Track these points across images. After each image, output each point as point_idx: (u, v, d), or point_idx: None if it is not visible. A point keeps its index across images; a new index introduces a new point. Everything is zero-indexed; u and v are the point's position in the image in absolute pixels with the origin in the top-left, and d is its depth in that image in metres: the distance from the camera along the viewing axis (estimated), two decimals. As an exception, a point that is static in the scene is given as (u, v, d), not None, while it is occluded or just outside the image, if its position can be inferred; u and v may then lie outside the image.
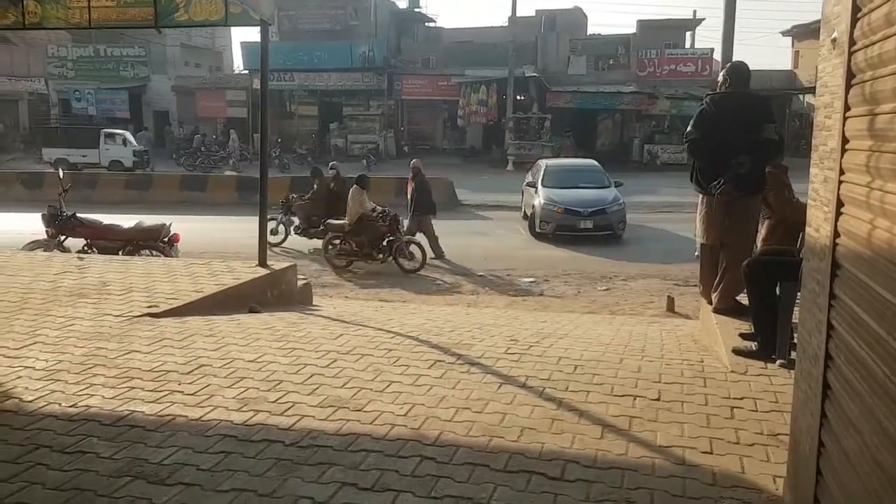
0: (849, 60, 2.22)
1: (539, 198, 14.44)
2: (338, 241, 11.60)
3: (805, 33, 35.78)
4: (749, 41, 53.73)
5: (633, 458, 3.18)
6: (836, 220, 2.29)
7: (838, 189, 2.29)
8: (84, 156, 28.40)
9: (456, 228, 14.83)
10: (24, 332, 5.03)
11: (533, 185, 15.21)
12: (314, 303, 7.92)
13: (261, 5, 7.31)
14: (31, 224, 10.98)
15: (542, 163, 16.89)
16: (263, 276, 7.28)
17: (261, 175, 7.95)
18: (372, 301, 8.91)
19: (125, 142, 29.62)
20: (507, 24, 34.94)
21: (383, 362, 4.55)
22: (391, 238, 11.50)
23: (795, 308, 4.46)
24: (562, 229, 13.97)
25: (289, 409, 3.71)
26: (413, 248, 11.52)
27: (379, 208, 11.84)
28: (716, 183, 5.44)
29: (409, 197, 13.05)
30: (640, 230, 15.10)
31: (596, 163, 17.13)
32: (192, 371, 4.28)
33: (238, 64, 44.97)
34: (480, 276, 10.97)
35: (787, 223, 5.49)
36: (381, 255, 11.50)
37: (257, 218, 7.86)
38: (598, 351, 4.98)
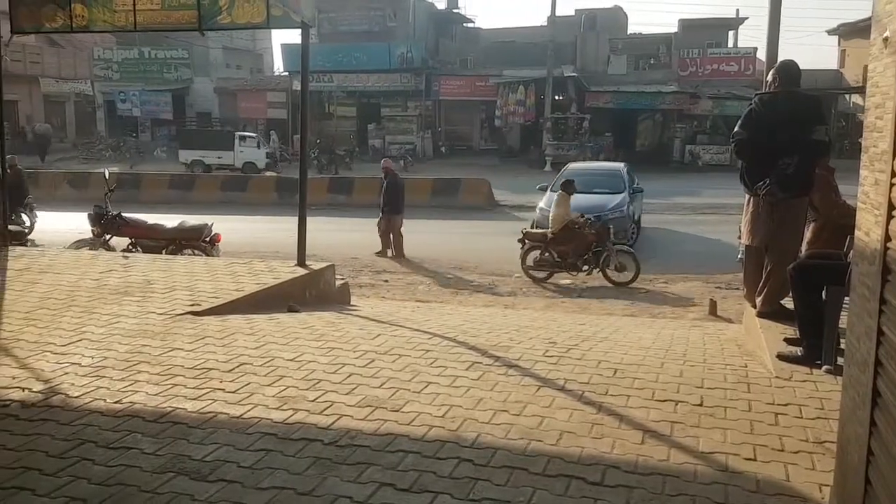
0: (902, 59, 2.16)
1: (541, 202, 13.91)
2: (538, 252, 10.92)
3: (852, 32, 35.00)
4: (794, 40, 52.77)
5: (674, 464, 3.13)
6: (888, 223, 2.23)
7: (890, 191, 2.22)
8: (219, 157, 28.99)
9: (493, 229, 14.82)
10: (71, 329, 5.14)
11: (545, 188, 14.63)
12: (352, 303, 7.97)
13: (302, 7, 7.39)
14: (77, 223, 11.25)
15: (569, 165, 16.42)
16: (302, 276, 7.34)
17: (300, 175, 8.03)
18: (409, 301, 8.93)
19: (259, 144, 30.34)
20: (546, 24, 34.76)
21: (421, 363, 4.56)
22: (598, 248, 10.72)
23: (842, 313, 4.37)
24: None
25: (327, 408, 3.73)
26: (623, 258, 10.61)
27: (585, 216, 11.17)
28: (761, 184, 5.34)
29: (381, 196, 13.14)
30: (664, 234, 14.67)
31: (621, 166, 16.23)
32: (234, 369, 4.33)
33: (278, 66, 45.62)
34: (517, 276, 10.92)
35: (833, 226, 5.38)
36: (586, 267, 10.78)
37: (296, 218, 7.93)
38: (638, 355, 4.92)
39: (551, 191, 14.21)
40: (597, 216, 12.48)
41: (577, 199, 13.65)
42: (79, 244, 10.02)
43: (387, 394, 3.95)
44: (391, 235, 12.87)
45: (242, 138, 29.79)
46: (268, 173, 27.27)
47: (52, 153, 34.96)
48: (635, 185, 14.61)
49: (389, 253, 12.79)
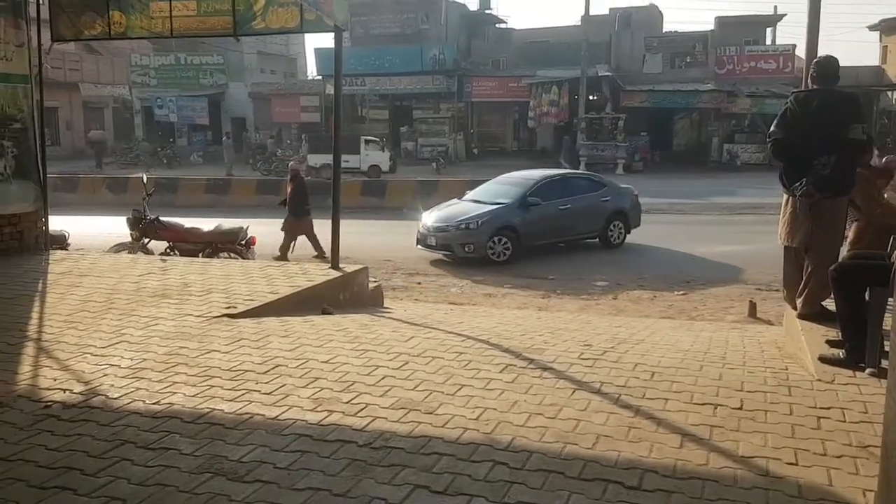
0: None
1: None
2: None
3: (894, 28, 34.26)
4: (834, 36, 51.76)
5: (713, 469, 3.08)
6: (936, 222, 2.17)
7: (938, 189, 2.16)
8: (346, 161, 29.33)
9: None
10: (111, 332, 5.22)
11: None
12: (385, 305, 7.99)
13: (335, 11, 7.42)
14: (116, 227, 11.45)
15: (513, 174, 14.95)
16: (336, 279, 7.38)
17: (333, 178, 8.06)
18: (441, 304, 8.93)
19: (384, 148, 30.71)
20: (579, 24, 34.56)
21: (454, 365, 4.55)
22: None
23: (886, 314, 4.26)
24: (420, 243, 13.07)
25: (362, 410, 3.74)
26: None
27: None
28: (798, 184, 5.23)
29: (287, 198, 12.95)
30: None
31: (545, 172, 14.96)
32: (269, 371, 4.37)
33: (311, 70, 46.04)
34: (551, 278, 10.87)
35: (876, 226, 5.26)
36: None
37: (330, 220, 7.96)
38: (676, 357, 4.85)
39: (461, 198, 14.23)
40: (444, 228, 12.63)
41: (451, 209, 13.32)
42: (118, 248, 10.20)
43: (420, 396, 3.95)
44: (309, 238, 12.65)
45: (367, 142, 30.05)
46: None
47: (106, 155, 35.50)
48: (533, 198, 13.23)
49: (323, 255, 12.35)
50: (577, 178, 15.54)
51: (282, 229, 12.50)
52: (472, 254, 12.33)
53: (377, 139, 31.35)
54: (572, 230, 13.62)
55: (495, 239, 12.46)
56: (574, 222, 13.54)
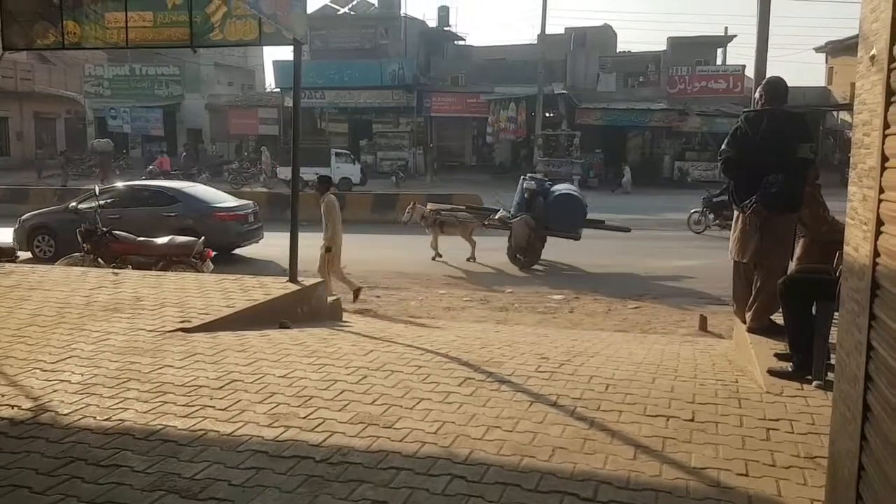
0: (888, 77, 2.19)
1: None
2: None
3: (839, 49, 35.40)
4: (782, 57, 53.26)
5: (666, 480, 3.13)
6: (876, 239, 2.25)
7: (878, 207, 2.25)
8: (317, 173, 28.81)
9: (483, 245, 14.84)
10: (61, 347, 5.11)
11: None
12: (344, 319, 7.95)
13: (293, 25, 7.41)
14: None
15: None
16: (294, 292, 7.33)
17: (292, 191, 8.03)
18: (401, 317, 8.92)
19: (354, 161, 30.45)
20: (536, 42, 35.05)
21: (413, 379, 4.55)
22: None
23: (832, 328, 4.39)
24: None
25: (319, 425, 3.71)
26: None
27: None
28: (748, 201, 5.38)
29: None
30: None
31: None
32: (224, 386, 4.31)
33: (270, 82, 45.75)
34: (509, 292, 10.94)
35: (822, 242, 5.41)
36: None
37: (288, 233, 7.91)
38: (630, 370, 4.93)
39: None
40: None
41: None
42: (68, 261, 9.96)
43: (379, 410, 3.94)
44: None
45: (338, 155, 29.87)
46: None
47: (46, 168, 34.64)
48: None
49: None
50: (145, 189, 14.73)
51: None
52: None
53: (348, 152, 31.29)
54: None
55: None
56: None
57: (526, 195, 13.73)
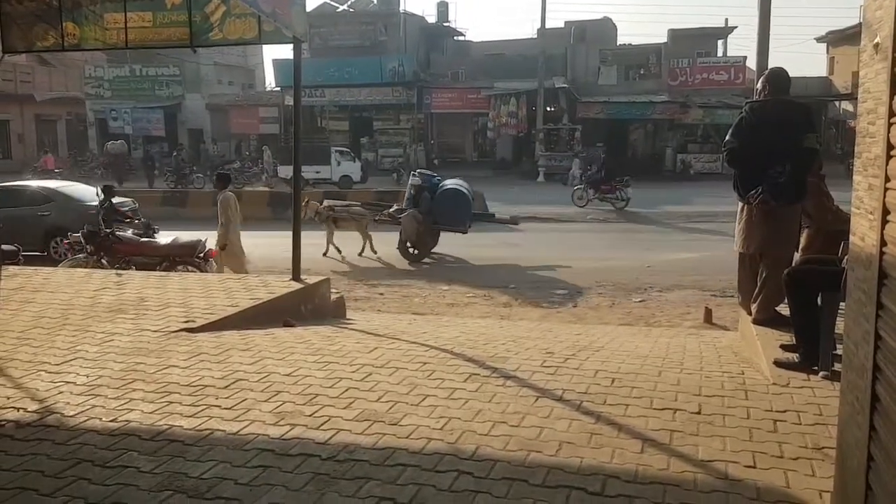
0: (892, 65, 2.17)
1: None
2: None
3: (840, 39, 35.33)
4: (783, 48, 53.14)
5: (674, 473, 3.12)
6: (883, 228, 2.23)
7: (884, 196, 2.23)
8: (318, 172, 28.73)
9: (488, 241, 14.84)
10: (66, 348, 5.11)
11: None
12: (347, 316, 7.94)
13: (293, 23, 7.39)
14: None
15: None
16: (297, 290, 7.32)
17: (294, 190, 8.02)
18: (405, 314, 8.91)
19: (354, 158, 30.51)
20: (536, 37, 34.96)
21: (418, 376, 4.54)
22: None
23: (838, 318, 4.38)
24: None
25: (325, 423, 3.71)
26: None
27: None
28: (754, 192, 5.35)
29: None
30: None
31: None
32: (229, 385, 4.31)
33: (270, 81, 45.72)
34: (512, 287, 10.92)
35: (827, 232, 5.40)
36: None
37: (290, 232, 7.90)
38: (635, 364, 4.92)
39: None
40: None
41: None
42: (73, 262, 9.97)
43: (384, 407, 3.94)
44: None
45: (340, 153, 29.91)
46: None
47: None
48: None
49: None
50: (21, 189, 14.55)
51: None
52: None
53: (348, 150, 31.29)
54: None
55: None
56: None
57: (412, 191, 14.02)
